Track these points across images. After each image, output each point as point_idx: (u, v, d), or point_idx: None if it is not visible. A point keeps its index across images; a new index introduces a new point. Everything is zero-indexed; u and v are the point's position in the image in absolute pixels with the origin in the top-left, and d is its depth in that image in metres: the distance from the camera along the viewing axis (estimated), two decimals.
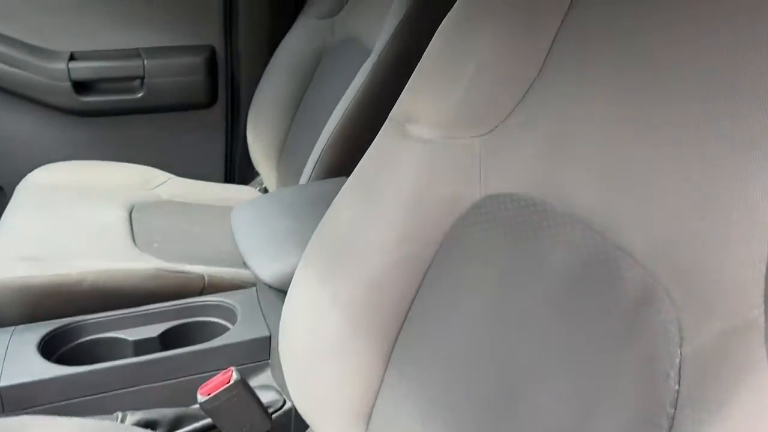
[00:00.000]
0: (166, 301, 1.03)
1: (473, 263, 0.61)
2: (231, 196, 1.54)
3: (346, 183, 0.74)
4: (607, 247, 0.48)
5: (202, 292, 1.09)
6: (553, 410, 0.50)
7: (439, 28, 0.73)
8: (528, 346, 0.53)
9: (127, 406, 0.86)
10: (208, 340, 0.98)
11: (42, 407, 0.88)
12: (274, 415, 0.90)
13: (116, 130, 1.60)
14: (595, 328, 0.48)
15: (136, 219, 1.31)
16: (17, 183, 1.41)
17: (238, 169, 1.74)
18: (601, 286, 0.48)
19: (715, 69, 0.45)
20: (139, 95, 1.57)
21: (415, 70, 0.73)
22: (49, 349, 0.94)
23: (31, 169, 1.44)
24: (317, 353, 0.70)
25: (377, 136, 0.74)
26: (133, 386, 0.92)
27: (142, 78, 1.56)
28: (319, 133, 1.29)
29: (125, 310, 1.01)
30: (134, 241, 1.21)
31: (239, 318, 1.00)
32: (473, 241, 0.61)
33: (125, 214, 1.31)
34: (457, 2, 0.72)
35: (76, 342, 0.98)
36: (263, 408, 0.80)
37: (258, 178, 1.71)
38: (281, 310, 0.75)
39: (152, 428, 0.83)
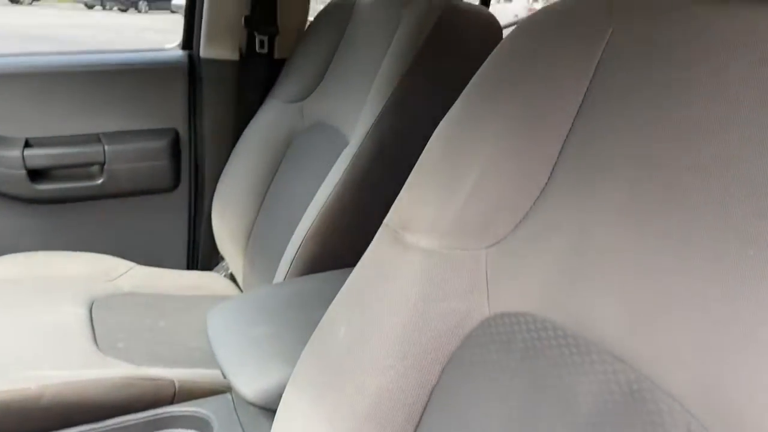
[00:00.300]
0: (134, 413, 0.96)
1: (485, 387, 0.57)
2: (196, 284, 1.48)
3: (339, 294, 0.70)
4: (642, 383, 0.45)
5: (173, 399, 1.02)
6: None
7: (437, 130, 0.71)
8: None
9: None
10: None
11: None
12: None
13: (74, 217, 1.53)
14: None
15: (98, 316, 1.24)
16: None
17: (201, 253, 1.68)
18: (637, 429, 0.45)
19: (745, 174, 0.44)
20: (99, 182, 1.51)
21: (412, 173, 0.70)
22: None
23: None
24: None
25: (372, 243, 0.71)
26: None
27: (103, 164, 1.50)
28: (292, 220, 1.26)
29: (90, 425, 0.93)
30: (96, 342, 1.13)
31: (215, 430, 0.93)
32: (484, 363, 0.58)
33: (85, 312, 1.23)
34: (456, 102, 0.70)
35: None
36: None
37: (223, 263, 1.65)
38: (263, 427, 0.70)
39: None
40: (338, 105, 1.34)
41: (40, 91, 1.46)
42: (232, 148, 1.54)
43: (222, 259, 1.64)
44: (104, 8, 14.85)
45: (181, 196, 1.63)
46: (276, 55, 1.58)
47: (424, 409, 0.61)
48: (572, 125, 0.58)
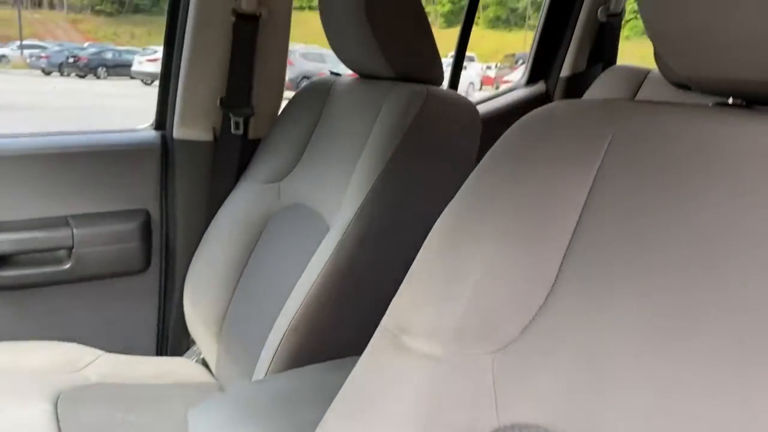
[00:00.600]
0: None
1: None
2: (166, 371, 1.43)
3: (334, 403, 0.67)
4: None
5: None
6: None
7: (435, 225, 0.70)
8: None
9: None
10: None
11: None
12: None
13: (39, 304, 1.46)
14: None
15: (64, 412, 1.17)
16: None
17: (171, 338, 1.62)
18: None
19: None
20: (67, 266, 1.45)
21: (408, 274, 0.69)
22: None
23: None
24: None
25: (368, 347, 0.68)
26: None
27: (71, 248, 1.45)
28: (271, 308, 1.23)
29: None
30: None
31: None
32: None
33: (51, 408, 1.17)
34: (453, 200, 0.70)
35: None
36: None
37: (194, 348, 1.60)
38: None
39: None
40: (317, 187, 1.33)
41: (4, 175, 1.41)
42: (205, 229, 1.51)
43: (193, 343, 1.59)
44: (62, 74, 14.77)
45: (151, 279, 1.58)
46: (251, 135, 1.57)
47: None
48: (575, 229, 0.58)
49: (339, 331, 1.07)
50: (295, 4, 1.61)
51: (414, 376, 0.62)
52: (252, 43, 1.49)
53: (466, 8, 1.94)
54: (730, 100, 0.59)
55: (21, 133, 1.52)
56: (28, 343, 1.37)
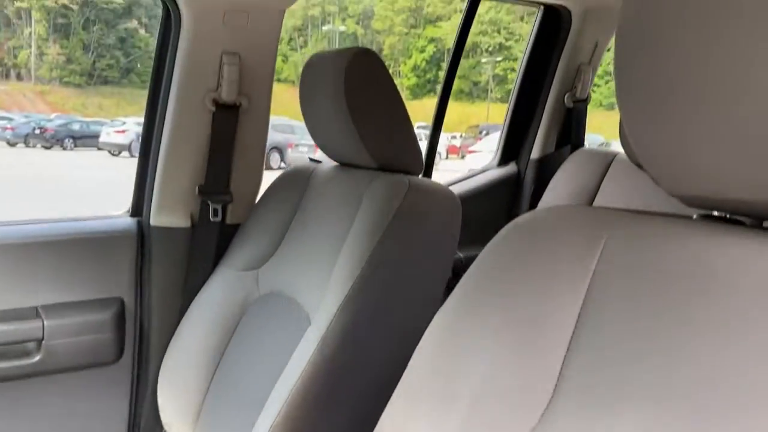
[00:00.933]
0: None
1: None
2: None
3: None
4: None
5: None
6: None
7: (424, 336, 0.70)
8: None
9: None
10: None
11: None
12: None
13: (5, 398, 1.40)
14: None
15: None
16: None
17: (143, 431, 1.56)
18: None
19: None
20: (36, 359, 1.40)
21: (400, 385, 0.68)
22: None
23: None
24: None
25: None
26: None
27: (41, 340, 1.40)
28: (250, 402, 1.20)
29: None
30: None
31: None
32: None
33: None
34: (444, 308, 0.70)
35: None
36: None
37: None
38: None
39: None
40: (297, 276, 1.33)
41: None
42: (181, 317, 1.48)
43: None
44: (27, 145, 14.65)
45: (123, 369, 1.53)
46: (229, 221, 1.57)
47: None
48: (570, 344, 0.58)
49: None
50: None
51: None
52: (232, 132, 1.51)
53: (440, 93, 2.00)
54: (714, 212, 0.61)
55: None
56: None
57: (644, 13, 0.55)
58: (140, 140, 1.59)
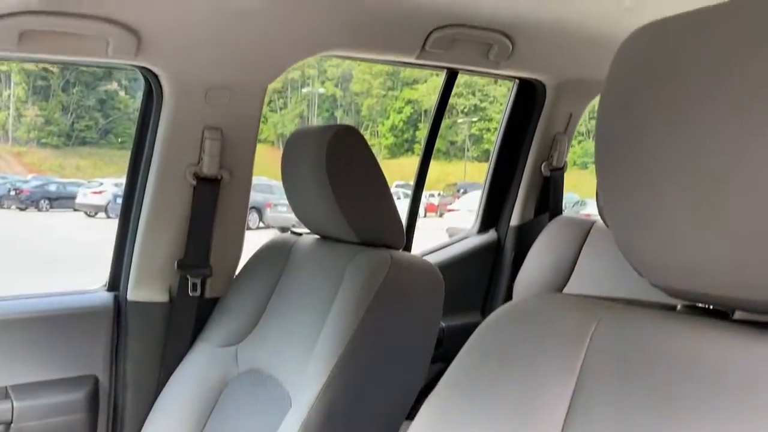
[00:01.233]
0: None
1: None
2: None
3: None
4: None
5: None
6: None
7: (413, 425, 0.69)
8: None
9: None
10: None
11: None
12: None
13: None
14: None
15: None
16: None
17: None
18: None
19: None
20: None
21: None
22: None
23: None
24: None
25: None
26: None
27: (9, 423, 1.35)
28: None
29: None
30: None
31: None
32: None
33: None
34: (431, 397, 0.69)
35: None
36: None
37: None
38: None
39: None
40: (277, 353, 1.30)
41: None
42: (157, 395, 1.44)
43: None
44: (1, 207, 14.46)
45: None
46: (208, 294, 1.55)
47: None
48: (563, 427, 0.58)
49: None
50: None
51: None
52: (212, 205, 1.50)
53: (419, 162, 2.02)
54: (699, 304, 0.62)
55: None
56: None
57: (624, 106, 0.57)
58: (119, 214, 1.57)
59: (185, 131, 1.46)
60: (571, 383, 0.60)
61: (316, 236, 1.43)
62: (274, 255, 1.46)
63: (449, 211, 13.08)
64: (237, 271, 1.55)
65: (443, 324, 1.89)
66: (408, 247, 1.99)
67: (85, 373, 1.46)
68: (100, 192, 13.28)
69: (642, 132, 0.55)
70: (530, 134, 2.06)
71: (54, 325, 1.44)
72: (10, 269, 6.99)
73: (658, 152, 0.54)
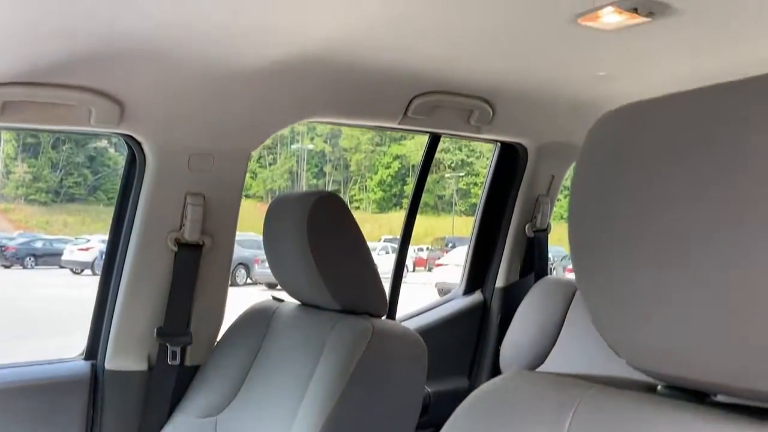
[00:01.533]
0: None
1: None
2: None
3: None
4: None
5: None
6: None
7: None
8: None
9: None
10: None
11: None
12: None
13: None
14: None
15: None
16: None
17: None
18: None
19: None
20: None
21: None
22: None
23: None
24: None
25: None
26: None
27: None
28: None
29: None
30: None
31: None
32: None
33: None
34: None
35: None
36: None
37: None
38: None
39: None
40: (257, 424, 1.27)
41: None
42: None
43: None
44: None
45: None
46: (187, 362, 1.51)
47: None
48: None
49: None
50: None
51: None
52: (194, 272, 1.49)
53: (406, 213, 2.02)
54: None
55: None
56: None
57: (596, 188, 0.57)
58: (99, 279, 1.55)
59: (167, 197, 1.46)
60: None
61: (298, 302, 1.42)
62: (255, 322, 1.44)
63: (438, 265, 13.07)
64: (218, 338, 1.53)
65: (429, 390, 1.86)
66: (394, 302, 1.96)
67: None
68: (86, 248, 13.17)
69: (614, 214, 0.55)
70: (513, 196, 2.07)
71: (29, 395, 1.40)
72: None
73: (630, 235, 0.54)
